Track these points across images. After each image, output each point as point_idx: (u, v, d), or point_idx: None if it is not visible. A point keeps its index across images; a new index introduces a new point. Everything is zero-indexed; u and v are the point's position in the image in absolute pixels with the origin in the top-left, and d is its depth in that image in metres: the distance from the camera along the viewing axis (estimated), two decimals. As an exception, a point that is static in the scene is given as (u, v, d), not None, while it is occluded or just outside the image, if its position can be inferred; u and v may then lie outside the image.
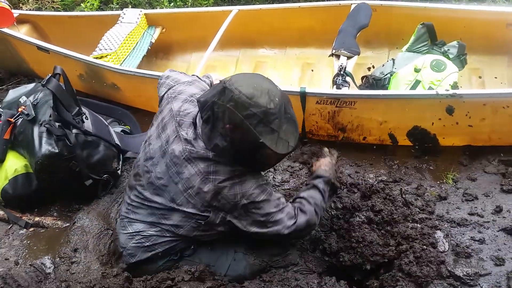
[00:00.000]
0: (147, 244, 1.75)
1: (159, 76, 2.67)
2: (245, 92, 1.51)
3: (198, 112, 1.71)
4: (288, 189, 2.32)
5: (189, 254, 1.81)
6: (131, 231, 1.79)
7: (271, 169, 2.48)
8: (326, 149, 2.08)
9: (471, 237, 1.94)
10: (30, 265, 1.96)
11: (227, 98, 1.52)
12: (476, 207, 2.10)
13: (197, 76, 2.25)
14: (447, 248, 1.87)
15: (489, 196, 2.16)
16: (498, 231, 1.94)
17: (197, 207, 1.66)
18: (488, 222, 2.01)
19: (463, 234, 1.96)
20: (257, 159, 1.63)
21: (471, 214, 2.07)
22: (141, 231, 1.77)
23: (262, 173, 2.31)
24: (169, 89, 1.92)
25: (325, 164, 1.94)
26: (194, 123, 1.71)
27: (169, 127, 1.75)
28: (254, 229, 1.69)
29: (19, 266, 2.00)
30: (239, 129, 1.53)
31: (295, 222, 1.71)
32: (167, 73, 2.09)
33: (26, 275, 1.90)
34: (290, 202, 1.82)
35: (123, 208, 1.89)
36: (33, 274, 1.92)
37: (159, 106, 1.93)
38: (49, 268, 1.95)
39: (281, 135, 1.56)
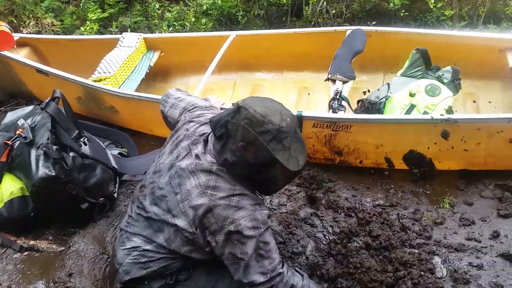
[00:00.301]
0: (143, 260, 1.74)
1: (158, 99, 2.70)
2: (259, 111, 1.57)
3: (211, 131, 1.75)
4: (285, 212, 2.31)
5: (185, 279, 1.79)
6: (129, 247, 1.78)
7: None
8: None
9: (469, 262, 1.93)
10: (23, 290, 1.93)
11: (241, 116, 1.58)
12: (473, 232, 2.10)
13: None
14: (445, 274, 1.86)
15: (486, 221, 2.16)
16: (496, 256, 1.94)
17: (188, 221, 1.66)
18: (486, 247, 2.00)
19: (461, 259, 1.95)
20: (267, 177, 1.65)
21: (468, 239, 2.06)
22: (138, 247, 1.76)
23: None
24: (185, 111, 1.97)
25: None
26: (205, 141, 1.75)
27: (182, 144, 1.80)
28: (227, 262, 1.66)
29: (12, 291, 1.96)
30: (252, 146, 1.57)
31: (263, 283, 1.61)
32: (176, 94, 2.10)
33: (19, 301, 1.88)
34: (285, 262, 1.73)
35: (123, 221, 1.90)
36: (26, 300, 1.90)
37: (174, 127, 1.95)
38: (43, 293, 1.93)
39: (292, 153, 1.59)
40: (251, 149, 1.58)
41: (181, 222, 1.67)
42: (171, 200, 1.71)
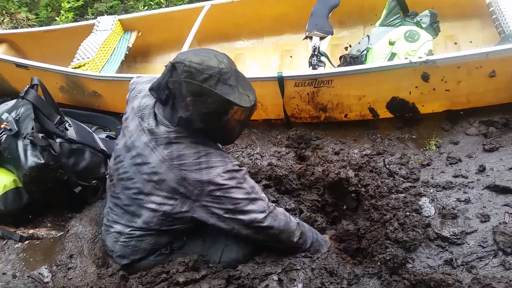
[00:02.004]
0: (133, 243, 1.77)
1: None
2: (195, 61, 1.56)
3: (155, 101, 1.74)
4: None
5: (180, 247, 1.83)
6: (114, 233, 1.81)
7: (259, 156, 2.50)
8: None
9: (457, 198, 1.95)
10: (28, 276, 1.98)
11: (179, 72, 1.56)
12: (460, 169, 2.12)
13: None
14: (433, 212, 1.89)
15: (472, 157, 2.18)
16: (482, 189, 1.96)
17: (164, 195, 1.66)
18: (473, 182, 2.02)
19: (448, 196, 1.97)
20: (224, 124, 1.65)
21: (455, 176, 2.09)
22: (122, 232, 1.79)
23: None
24: (130, 92, 1.98)
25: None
26: (154, 113, 1.73)
27: (132, 124, 1.79)
28: (220, 223, 1.67)
29: (17, 279, 2.01)
30: (200, 97, 1.56)
31: (264, 218, 1.66)
32: (133, 80, 2.11)
33: (25, 287, 1.93)
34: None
35: (105, 210, 1.94)
36: (32, 285, 1.95)
37: None
38: (47, 277, 1.98)
39: (240, 91, 1.60)
40: (200, 101, 1.57)
41: (157, 199, 1.68)
42: (139, 180, 1.71)
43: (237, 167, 1.68)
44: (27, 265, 2.10)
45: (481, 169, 2.06)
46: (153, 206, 1.70)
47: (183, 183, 1.63)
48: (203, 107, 1.58)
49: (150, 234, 1.76)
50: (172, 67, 1.58)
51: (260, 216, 1.67)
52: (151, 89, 1.70)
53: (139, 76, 2.14)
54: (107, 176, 1.95)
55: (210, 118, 1.61)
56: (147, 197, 1.70)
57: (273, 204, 1.75)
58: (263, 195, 1.73)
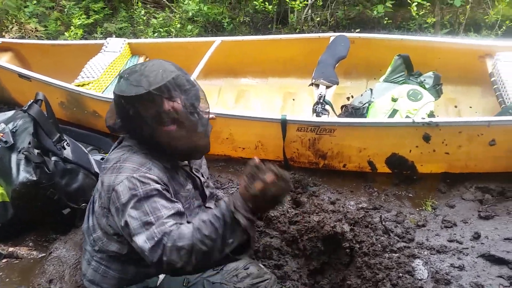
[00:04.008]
0: (103, 268, 1.68)
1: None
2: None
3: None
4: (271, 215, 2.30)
5: (155, 286, 1.72)
6: (87, 257, 1.74)
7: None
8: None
9: (451, 264, 1.94)
10: (1, 298, 1.89)
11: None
12: (455, 234, 2.12)
13: None
14: (426, 276, 1.87)
15: (467, 222, 2.19)
16: (477, 257, 1.96)
17: (99, 203, 1.61)
18: (467, 248, 2.02)
19: (442, 261, 1.97)
20: (142, 123, 1.49)
21: (450, 241, 2.09)
22: (92, 255, 1.70)
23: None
24: None
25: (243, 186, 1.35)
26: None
27: None
28: (128, 237, 1.47)
29: (-11, 299, 1.92)
30: (122, 99, 1.47)
31: (151, 248, 1.35)
32: None
33: (-3, 308, 1.84)
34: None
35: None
36: (5, 307, 1.86)
37: None
38: (22, 300, 1.89)
39: (132, 83, 1.45)
40: (122, 101, 1.48)
41: (96, 207, 1.64)
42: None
43: (145, 179, 1.45)
44: (2, 286, 2.00)
45: (476, 236, 2.06)
46: (93, 215, 1.66)
47: (101, 189, 1.55)
48: (129, 107, 1.48)
49: (115, 258, 1.65)
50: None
51: (145, 245, 1.37)
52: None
53: None
54: None
55: (124, 117, 1.52)
56: (94, 204, 1.67)
57: (174, 226, 1.38)
58: (165, 220, 1.39)
